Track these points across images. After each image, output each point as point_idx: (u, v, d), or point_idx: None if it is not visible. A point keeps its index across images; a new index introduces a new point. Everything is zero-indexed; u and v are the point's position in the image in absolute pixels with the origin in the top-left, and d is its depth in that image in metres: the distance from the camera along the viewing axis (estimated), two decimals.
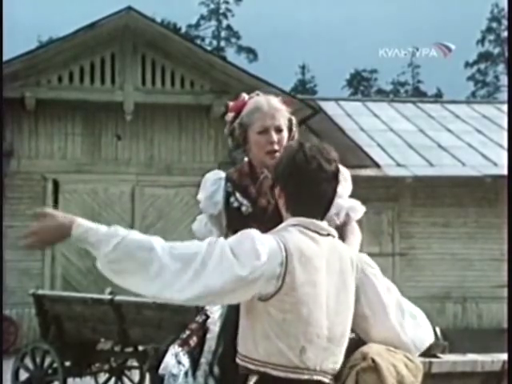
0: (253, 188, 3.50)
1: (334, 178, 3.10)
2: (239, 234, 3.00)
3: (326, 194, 3.08)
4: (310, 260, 2.96)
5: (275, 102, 3.63)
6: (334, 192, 3.12)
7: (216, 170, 3.82)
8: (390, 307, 3.14)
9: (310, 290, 2.94)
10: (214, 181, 3.68)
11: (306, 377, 2.95)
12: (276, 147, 3.52)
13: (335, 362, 3.03)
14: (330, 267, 3.02)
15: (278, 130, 3.56)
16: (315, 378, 2.97)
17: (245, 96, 3.73)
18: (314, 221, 3.05)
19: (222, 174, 3.70)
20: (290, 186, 3.07)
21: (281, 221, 3.13)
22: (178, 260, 2.89)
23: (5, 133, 14.41)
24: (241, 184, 3.61)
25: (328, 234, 3.08)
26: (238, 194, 3.59)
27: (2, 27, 10.41)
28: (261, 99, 3.65)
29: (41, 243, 3.02)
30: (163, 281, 2.87)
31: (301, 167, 3.04)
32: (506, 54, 42.24)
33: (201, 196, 3.71)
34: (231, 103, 3.76)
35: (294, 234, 3.00)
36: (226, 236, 3.77)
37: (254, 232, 2.97)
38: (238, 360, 3.02)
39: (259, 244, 2.91)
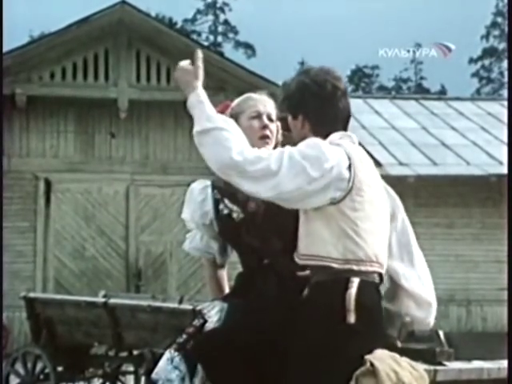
0: (240, 193, 3.35)
1: (347, 93, 3.43)
2: (305, 142, 3.22)
3: (345, 109, 3.41)
4: (366, 164, 3.28)
5: (265, 95, 3.72)
6: (349, 106, 3.43)
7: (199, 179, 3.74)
8: (408, 226, 3.53)
9: (371, 190, 3.25)
10: (201, 190, 3.62)
11: (376, 269, 3.23)
12: (269, 133, 3.51)
13: (386, 257, 3.33)
14: (375, 172, 3.36)
15: (270, 119, 3.55)
16: (379, 270, 3.27)
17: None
18: (348, 133, 3.37)
19: (208, 182, 3.64)
20: (314, 112, 3.34)
21: (274, 223, 3.39)
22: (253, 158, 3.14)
23: None
24: (228, 190, 3.50)
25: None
26: (226, 201, 3.53)
27: (1, 27, 10.11)
28: (250, 93, 3.75)
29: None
30: (237, 168, 3.13)
31: (317, 93, 3.32)
32: (507, 53, 42.17)
33: (188, 209, 3.62)
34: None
35: (346, 143, 3.29)
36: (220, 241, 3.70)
37: (319, 140, 3.23)
38: (314, 262, 3.20)
39: (326, 149, 3.17)
